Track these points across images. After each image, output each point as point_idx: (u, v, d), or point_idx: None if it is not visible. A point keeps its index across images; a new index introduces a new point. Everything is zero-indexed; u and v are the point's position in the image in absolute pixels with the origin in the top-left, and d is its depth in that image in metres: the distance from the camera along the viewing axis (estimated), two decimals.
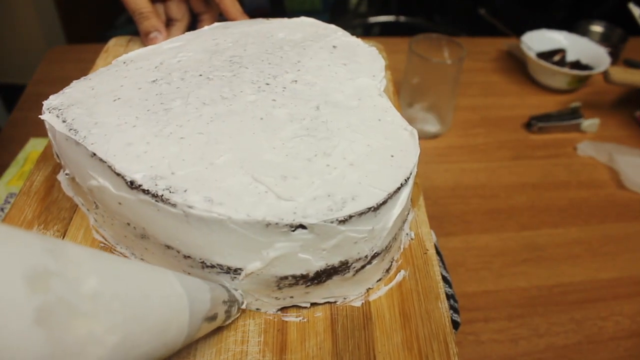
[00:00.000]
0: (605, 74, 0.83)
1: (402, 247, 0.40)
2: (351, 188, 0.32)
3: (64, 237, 0.38)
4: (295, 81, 0.42)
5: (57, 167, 0.43)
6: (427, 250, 0.40)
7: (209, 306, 0.27)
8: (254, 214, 0.30)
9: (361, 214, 0.31)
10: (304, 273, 0.33)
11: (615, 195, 0.76)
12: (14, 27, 1.77)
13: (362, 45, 0.49)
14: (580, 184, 0.77)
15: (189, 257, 0.33)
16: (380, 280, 0.37)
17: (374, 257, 0.35)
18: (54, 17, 1.79)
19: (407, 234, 0.41)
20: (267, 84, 0.41)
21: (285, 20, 0.51)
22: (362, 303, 0.36)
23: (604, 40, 1.03)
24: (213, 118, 0.37)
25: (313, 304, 0.36)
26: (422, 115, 0.82)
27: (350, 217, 0.31)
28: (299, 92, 0.41)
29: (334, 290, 0.35)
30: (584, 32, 1.02)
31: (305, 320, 0.35)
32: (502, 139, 0.84)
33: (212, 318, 0.28)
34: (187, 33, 0.48)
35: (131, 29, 0.55)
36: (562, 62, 0.95)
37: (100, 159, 0.33)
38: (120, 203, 0.33)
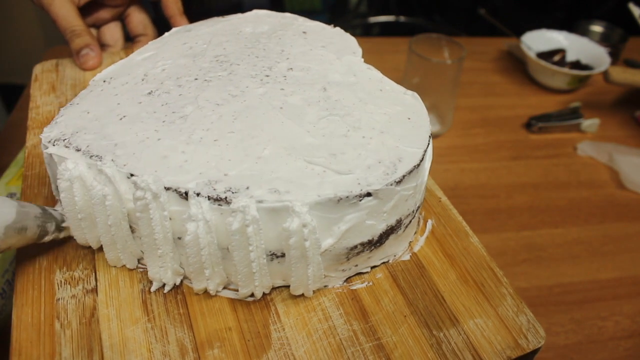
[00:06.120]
0: (605, 74, 0.83)
1: None
2: (393, 152, 0.36)
3: (95, 275, 0.37)
4: (291, 69, 0.43)
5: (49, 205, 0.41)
6: (440, 198, 0.44)
7: (14, 217, 0.32)
8: (324, 193, 0.32)
9: (410, 172, 0.35)
10: (370, 238, 0.35)
11: (615, 195, 0.76)
12: (14, 27, 1.77)
13: (326, 27, 0.50)
14: (580, 184, 0.77)
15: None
16: (415, 232, 0.41)
17: (416, 210, 0.39)
18: None
19: None
20: (267, 76, 0.42)
21: (240, 15, 0.52)
22: (410, 256, 0.39)
23: (604, 40, 1.03)
24: (235, 116, 0.38)
25: (372, 268, 0.38)
26: None
27: (404, 176, 0.34)
28: (300, 78, 0.42)
29: (388, 250, 0.38)
30: (584, 32, 1.02)
31: (370, 284, 0.37)
32: (502, 139, 0.84)
33: (22, 229, 0.33)
34: (150, 42, 0.48)
35: None
36: (562, 62, 0.95)
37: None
38: (171, 219, 0.33)
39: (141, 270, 0.37)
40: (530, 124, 0.85)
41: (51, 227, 0.36)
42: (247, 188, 0.32)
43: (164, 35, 0.49)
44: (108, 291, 0.36)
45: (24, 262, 0.37)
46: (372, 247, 0.36)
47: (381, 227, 0.35)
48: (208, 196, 0.32)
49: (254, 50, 0.46)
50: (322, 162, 0.34)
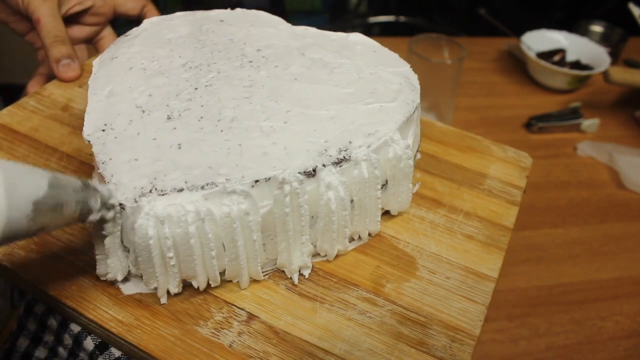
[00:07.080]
0: (605, 74, 0.83)
1: None
2: (399, 78, 0.43)
3: (234, 305, 0.35)
4: (259, 49, 0.45)
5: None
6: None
7: (46, 191, 0.27)
8: (398, 119, 0.39)
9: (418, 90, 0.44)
10: (418, 146, 0.46)
11: (615, 195, 0.76)
12: None
13: (227, 11, 0.50)
14: (580, 184, 0.77)
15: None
16: None
17: None
18: None
19: None
20: (250, 61, 0.43)
21: (142, 27, 0.48)
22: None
23: (604, 40, 1.03)
24: (273, 99, 0.39)
25: None
26: (422, 115, 0.82)
27: (420, 93, 0.43)
28: (275, 54, 0.44)
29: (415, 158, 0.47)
30: (584, 32, 1.02)
31: (420, 183, 0.46)
32: (502, 139, 0.83)
33: (57, 206, 0.28)
34: (90, 80, 0.42)
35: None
36: (562, 62, 0.95)
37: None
38: (269, 212, 0.34)
39: (267, 275, 0.37)
40: (530, 124, 0.85)
41: (95, 203, 0.31)
42: (350, 142, 0.36)
43: (95, 72, 0.42)
44: (263, 307, 0.35)
45: (156, 345, 0.33)
46: (416, 155, 0.45)
47: (419, 134, 0.44)
48: (332, 162, 0.34)
49: (209, 47, 0.44)
50: (373, 101, 0.39)
